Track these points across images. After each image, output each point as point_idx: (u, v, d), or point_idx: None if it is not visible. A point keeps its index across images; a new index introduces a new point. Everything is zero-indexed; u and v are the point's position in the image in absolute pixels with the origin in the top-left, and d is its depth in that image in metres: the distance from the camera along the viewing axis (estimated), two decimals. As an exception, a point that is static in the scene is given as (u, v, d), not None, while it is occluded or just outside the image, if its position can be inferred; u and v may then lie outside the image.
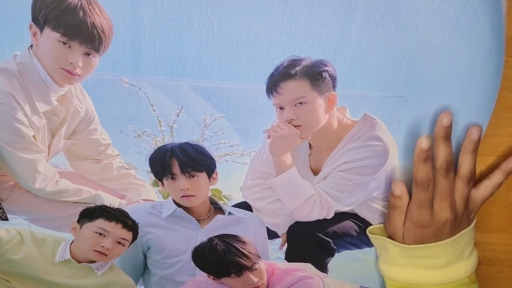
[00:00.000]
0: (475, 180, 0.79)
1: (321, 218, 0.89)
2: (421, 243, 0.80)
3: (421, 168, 0.75)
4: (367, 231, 0.90)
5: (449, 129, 0.72)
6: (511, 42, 0.71)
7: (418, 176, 0.76)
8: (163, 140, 0.80)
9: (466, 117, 0.74)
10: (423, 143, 0.73)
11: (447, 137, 0.73)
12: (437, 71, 0.69)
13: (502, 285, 0.97)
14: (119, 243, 0.89)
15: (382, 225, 0.90)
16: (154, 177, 0.87)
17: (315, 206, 0.87)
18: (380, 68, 0.70)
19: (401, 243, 0.82)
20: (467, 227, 0.81)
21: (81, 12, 0.68)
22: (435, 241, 0.79)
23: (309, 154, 0.86)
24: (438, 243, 0.79)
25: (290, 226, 0.91)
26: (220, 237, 0.91)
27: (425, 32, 0.66)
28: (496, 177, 0.80)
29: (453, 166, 0.75)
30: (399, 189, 0.80)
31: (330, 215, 0.88)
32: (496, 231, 0.92)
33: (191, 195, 0.87)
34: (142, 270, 0.97)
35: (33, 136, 0.79)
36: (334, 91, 0.75)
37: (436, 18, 0.62)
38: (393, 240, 0.84)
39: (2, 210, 0.88)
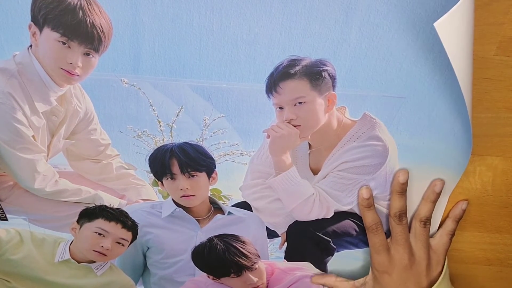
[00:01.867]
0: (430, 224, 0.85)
1: (320, 217, 0.89)
2: None
3: (366, 214, 0.84)
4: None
5: (404, 185, 0.80)
6: (511, 42, 0.71)
7: (366, 221, 0.85)
8: (163, 140, 0.80)
9: (464, 121, 0.74)
10: (364, 193, 0.83)
11: (403, 192, 0.81)
12: (437, 77, 0.70)
13: (501, 285, 0.97)
14: (119, 243, 0.89)
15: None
16: (153, 177, 0.87)
17: (315, 206, 0.87)
18: (380, 68, 0.70)
19: None
20: (437, 279, 0.84)
21: (80, 12, 0.67)
22: None
23: (309, 153, 0.86)
24: None
25: (289, 226, 0.91)
26: (219, 237, 0.91)
27: (427, 38, 0.66)
28: (448, 225, 0.87)
29: (405, 214, 0.82)
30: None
31: (330, 215, 0.88)
32: (495, 231, 0.92)
33: (190, 195, 0.87)
34: (141, 270, 0.97)
35: (33, 136, 0.79)
36: (333, 91, 0.75)
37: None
38: None
39: (1, 210, 0.88)
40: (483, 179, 0.86)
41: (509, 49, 0.72)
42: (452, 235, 0.86)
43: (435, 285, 0.83)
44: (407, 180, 0.80)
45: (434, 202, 0.82)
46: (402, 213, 0.81)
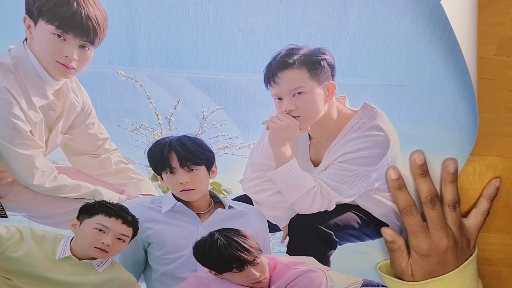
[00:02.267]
0: (461, 206, 0.83)
1: (322, 210, 0.88)
2: (428, 277, 0.83)
3: (398, 196, 0.82)
4: (377, 269, 0.92)
5: (424, 166, 0.78)
6: (511, 42, 0.70)
7: (399, 204, 0.82)
8: (161, 133, 0.79)
9: (466, 106, 0.73)
10: (392, 174, 0.80)
11: (424, 173, 0.79)
12: (438, 62, 0.69)
13: (501, 285, 0.96)
14: (120, 239, 0.88)
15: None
16: (153, 171, 0.86)
17: (316, 198, 0.86)
18: (380, 56, 0.69)
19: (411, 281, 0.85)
20: (470, 257, 0.84)
21: (75, 3, 0.67)
22: (441, 271, 0.82)
23: (309, 145, 0.85)
24: (445, 276, 0.81)
25: (291, 219, 0.90)
26: (221, 231, 0.90)
27: (426, 22, 0.65)
28: (482, 205, 0.85)
29: (437, 197, 0.80)
30: (389, 235, 0.86)
31: (332, 207, 0.87)
32: (495, 231, 0.92)
33: (190, 189, 0.86)
34: (143, 266, 0.96)
35: (30, 131, 0.78)
36: (333, 80, 0.74)
37: (437, 10, 0.61)
38: (403, 278, 0.87)
39: (1, 207, 0.88)
40: (483, 179, 0.85)
41: (509, 49, 0.71)
42: (487, 214, 0.85)
43: (466, 262, 0.82)
44: (425, 161, 0.78)
45: (453, 182, 0.80)
46: (433, 196, 0.79)
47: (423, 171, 0.78)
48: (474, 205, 0.86)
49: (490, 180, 0.85)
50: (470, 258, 0.84)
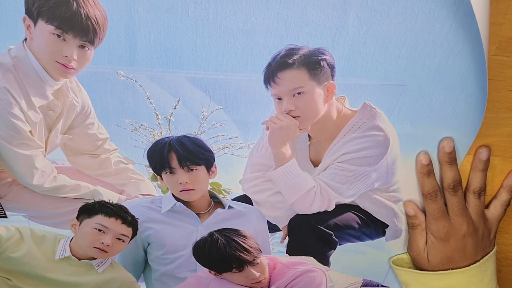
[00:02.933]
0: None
1: (322, 210, 0.88)
2: (446, 263, 0.83)
3: (426, 182, 0.81)
4: (391, 263, 0.92)
5: (452, 154, 0.78)
6: (511, 42, 0.70)
7: (425, 189, 0.82)
8: (161, 133, 0.79)
9: (465, 108, 0.73)
10: (423, 159, 0.79)
11: (452, 161, 0.78)
12: (438, 59, 0.69)
13: (501, 284, 0.96)
14: (119, 239, 0.88)
15: (405, 255, 0.92)
16: (152, 171, 0.86)
17: (316, 198, 0.86)
18: (379, 55, 0.69)
19: (427, 269, 0.85)
20: (490, 250, 0.85)
21: (74, 3, 0.67)
22: (460, 258, 0.82)
23: (309, 145, 0.85)
24: (466, 269, 0.82)
25: (291, 219, 0.90)
26: (220, 231, 0.90)
27: (425, 20, 0.65)
28: (502, 196, 0.85)
29: (460, 184, 0.81)
30: (411, 209, 0.85)
31: (331, 207, 0.87)
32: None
33: (190, 189, 0.86)
34: (143, 266, 0.96)
35: (30, 132, 0.78)
36: (332, 80, 0.74)
37: (436, 7, 0.61)
38: (419, 263, 0.87)
39: (0, 207, 0.88)
40: None
41: (508, 49, 0.71)
42: (507, 205, 0.85)
43: (487, 256, 0.83)
44: (454, 148, 0.78)
45: (483, 170, 0.81)
46: (456, 183, 0.80)
47: (451, 158, 0.78)
48: (494, 196, 0.86)
49: (510, 171, 0.84)
50: (491, 253, 0.84)
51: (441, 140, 0.77)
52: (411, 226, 0.87)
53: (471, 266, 0.82)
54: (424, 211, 0.85)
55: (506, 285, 0.98)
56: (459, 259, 0.82)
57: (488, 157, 0.80)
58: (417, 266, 0.89)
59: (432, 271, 0.85)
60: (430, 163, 0.79)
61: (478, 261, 0.83)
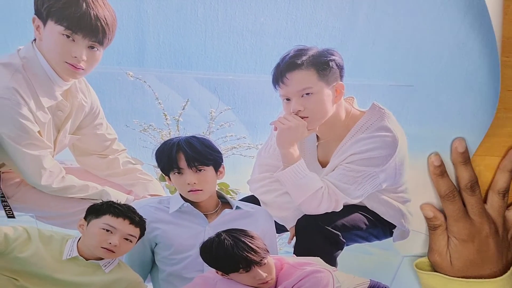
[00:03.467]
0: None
1: (329, 211, 0.88)
2: (470, 266, 0.82)
3: (440, 182, 0.80)
4: (414, 266, 0.91)
5: (465, 153, 0.78)
6: (510, 42, 0.70)
7: (441, 190, 0.81)
8: (169, 134, 0.79)
9: (472, 108, 0.73)
10: (435, 160, 0.79)
11: (466, 161, 0.78)
12: (445, 59, 0.69)
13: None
14: (127, 239, 0.88)
15: (426, 259, 0.90)
16: (161, 172, 0.86)
17: (324, 199, 0.86)
18: (388, 56, 0.69)
19: (449, 273, 0.84)
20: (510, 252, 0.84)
21: (84, 4, 0.67)
22: (483, 261, 0.81)
23: (317, 146, 0.85)
24: (498, 279, 0.81)
25: (298, 220, 0.90)
26: (228, 231, 0.90)
27: (434, 21, 0.65)
28: None
29: (477, 183, 0.80)
30: (429, 211, 0.84)
31: (339, 208, 0.87)
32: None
33: (198, 190, 0.86)
34: (150, 267, 0.96)
35: (38, 132, 0.79)
36: (341, 80, 0.74)
37: (446, 8, 0.61)
38: (440, 267, 0.86)
39: (8, 207, 0.88)
40: (482, 179, 0.84)
41: (508, 49, 0.71)
42: None
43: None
44: (467, 148, 0.77)
45: (511, 171, 0.80)
46: (473, 183, 0.79)
47: (465, 158, 0.78)
48: None
49: None
50: None
51: (453, 140, 0.77)
52: (432, 228, 0.86)
53: (504, 275, 0.81)
54: (443, 213, 0.84)
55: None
56: (482, 262, 0.81)
57: None
58: (438, 270, 0.88)
59: (456, 277, 0.84)
60: (442, 164, 0.79)
61: (507, 268, 0.82)
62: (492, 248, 0.81)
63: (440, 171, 0.79)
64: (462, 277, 0.83)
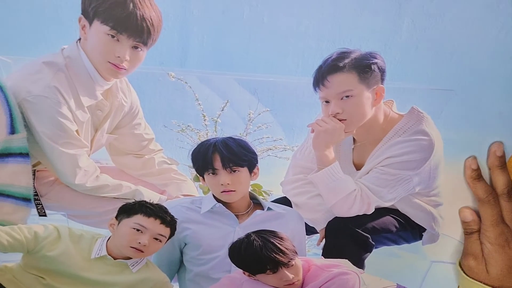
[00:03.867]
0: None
1: (361, 213, 0.88)
2: (507, 274, 0.81)
3: (478, 186, 0.80)
4: (457, 265, 0.89)
5: (503, 158, 0.77)
6: None
7: (479, 194, 0.80)
8: (207, 134, 0.79)
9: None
10: (472, 164, 0.78)
11: (503, 165, 0.77)
12: (488, 65, 0.69)
13: None
14: (156, 239, 0.88)
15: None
16: (195, 172, 0.86)
17: (356, 202, 0.86)
18: (430, 60, 0.70)
19: (485, 282, 0.84)
20: None
21: (131, 4, 0.67)
22: None
23: (353, 148, 0.85)
24: None
25: (329, 222, 0.90)
26: (257, 232, 0.90)
27: (480, 27, 0.65)
28: None
29: None
30: (469, 215, 0.83)
31: (371, 211, 0.87)
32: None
33: (231, 190, 0.86)
34: (177, 267, 0.96)
35: (76, 131, 0.79)
36: (382, 84, 0.74)
37: (493, 14, 0.61)
38: (476, 274, 0.85)
39: (41, 206, 0.88)
40: None
41: None
42: None
43: None
44: (504, 152, 0.76)
45: None
46: (510, 188, 0.78)
47: (502, 162, 0.77)
48: None
49: None
50: None
51: (491, 144, 0.76)
52: (468, 232, 0.85)
53: None
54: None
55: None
56: None
57: None
58: (473, 277, 0.87)
59: (494, 286, 0.83)
60: (479, 168, 0.78)
61: None
62: None
63: (477, 175, 0.78)
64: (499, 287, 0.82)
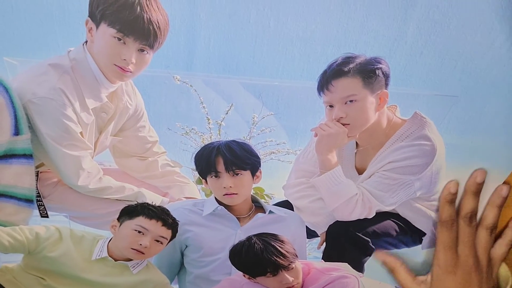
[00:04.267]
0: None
1: (362, 217, 0.88)
2: None
3: (446, 208, 0.80)
4: None
5: (481, 185, 0.77)
6: None
7: (443, 216, 0.81)
8: (210, 137, 0.80)
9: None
10: (452, 187, 0.78)
11: (478, 192, 0.77)
12: (494, 73, 0.69)
13: None
14: (158, 241, 0.88)
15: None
16: (198, 175, 0.86)
17: (357, 206, 0.86)
18: (435, 66, 0.70)
19: None
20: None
21: (138, 7, 0.67)
22: None
23: (355, 153, 0.86)
24: None
25: (329, 226, 0.90)
26: (259, 235, 0.90)
27: (486, 34, 0.65)
28: (508, 235, 0.84)
29: (476, 216, 0.79)
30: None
31: (372, 215, 0.88)
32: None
33: (233, 193, 0.86)
34: (178, 269, 0.96)
35: (80, 133, 0.79)
36: (386, 89, 0.74)
37: (500, 22, 0.62)
38: None
39: (43, 207, 0.88)
40: None
41: None
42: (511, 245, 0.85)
43: None
44: (484, 181, 0.79)
45: (500, 207, 0.81)
46: (474, 215, 0.80)
47: (478, 190, 0.79)
48: (499, 236, 0.87)
49: None
50: None
51: (475, 170, 0.78)
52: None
53: None
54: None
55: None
56: None
57: (507, 194, 0.81)
58: None
59: None
60: (456, 193, 0.80)
61: None
62: (474, 284, 0.82)
63: (452, 199, 0.80)
64: None
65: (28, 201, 0.84)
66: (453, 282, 0.82)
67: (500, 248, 0.86)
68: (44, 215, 0.89)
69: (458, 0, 0.63)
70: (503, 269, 0.83)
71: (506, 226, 0.84)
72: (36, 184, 0.84)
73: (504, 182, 0.79)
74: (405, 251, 0.96)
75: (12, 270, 0.88)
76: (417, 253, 0.92)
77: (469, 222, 0.81)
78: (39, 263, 0.89)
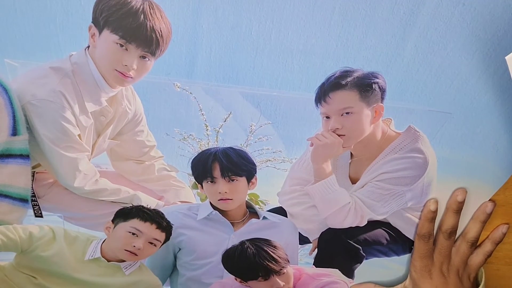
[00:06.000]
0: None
1: (354, 225, 0.90)
2: None
3: (426, 225, 0.85)
4: None
5: (461, 204, 0.82)
6: None
7: (422, 231, 0.86)
8: (208, 144, 0.80)
9: (507, 144, 0.76)
10: (432, 206, 0.84)
11: (458, 210, 0.83)
12: (488, 96, 0.71)
13: (499, 283, 0.98)
14: (151, 243, 0.89)
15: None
16: (194, 180, 0.87)
17: (350, 214, 0.88)
18: (431, 83, 0.72)
19: None
20: None
21: (142, 15, 0.68)
22: None
23: (350, 163, 0.87)
24: None
25: (322, 232, 0.92)
26: (252, 240, 0.92)
27: (482, 59, 0.67)
28: (487, 246, 0.88)
29: (455, 232, 0.84)
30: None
31: (363, 223, 0.90)
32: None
33: (228, 199, 0.88)
34: (170, 271, 0.97)
35: (78, 135, 0.79)
36: (382, 102, 0.76)
37: (495, 51, 0.63)
38: None
39: (37, 206, 0.88)
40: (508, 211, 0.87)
41: None
42: (489, 256, 0.88)
43: None
44: (464, 200, 0.81)
45: (484, 222, 0.84)
46: (453, 231, 0.83)
47: (459, 208, 0.82)
48: (479, 245, 0.88)
49: (498, 226, 0.88)
50: None
51: (456, 189, 0.81)
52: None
53: None
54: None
55: (504, 282, 0.99)
56: None
57: (491, 211, 0.84)
58: None
59: None
60: (436, 211, 0.84)
61: None
62: (452, 286, 0.85)
63: (432, 217, 0.84)
64: None
65: (23, 200, 0.85)
66: (430, 285, 0.86)
67: (477, 257, 0.90)
68: (38, 215, 0.89)
69: (456, 24, 0.65)
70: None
71: (486, 238, 0.87)
72: (32, 184, 0.85)
73: (490, 200, 0.83)
74: (395, 259, 0.97)
75: (4, 268, 0.88)
76: (406, 261, 0.94)
77: (448, 237, 0.85)
78: (31, 262, 0.89)
